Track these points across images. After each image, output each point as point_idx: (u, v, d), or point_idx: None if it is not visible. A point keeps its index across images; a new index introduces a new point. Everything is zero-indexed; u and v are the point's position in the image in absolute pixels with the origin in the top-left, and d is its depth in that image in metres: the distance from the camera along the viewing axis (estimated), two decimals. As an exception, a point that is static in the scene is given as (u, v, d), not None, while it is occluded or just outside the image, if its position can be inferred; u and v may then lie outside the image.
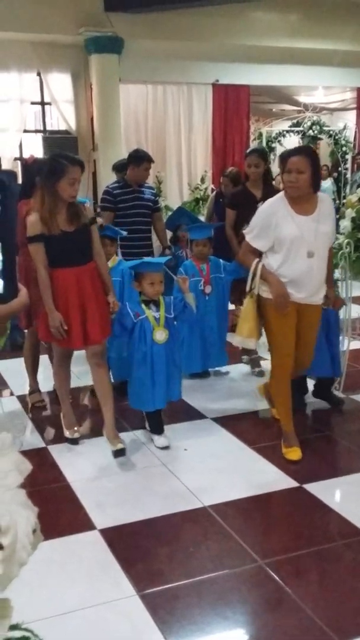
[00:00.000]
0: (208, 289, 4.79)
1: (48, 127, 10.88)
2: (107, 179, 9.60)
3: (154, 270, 3.74)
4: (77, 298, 3.58)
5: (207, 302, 4.78)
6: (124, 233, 4.69)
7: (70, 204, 3.54)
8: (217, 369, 5.10)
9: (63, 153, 3.57)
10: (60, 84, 10.30)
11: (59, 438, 4.03)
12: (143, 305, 3.77)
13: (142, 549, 2.86)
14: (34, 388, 4.63)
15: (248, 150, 5.26)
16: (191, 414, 4.37)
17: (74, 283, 3.58)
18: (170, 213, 7.10)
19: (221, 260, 4.88)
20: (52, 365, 4.30)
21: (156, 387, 3.78)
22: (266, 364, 4.68)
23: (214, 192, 6.97)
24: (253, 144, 12.33)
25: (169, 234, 6.13)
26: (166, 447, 3.83)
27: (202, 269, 4.80)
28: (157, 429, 3.93)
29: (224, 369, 5.12)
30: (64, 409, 4.00)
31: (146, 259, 4.08)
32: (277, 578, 2.62)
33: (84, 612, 2.46)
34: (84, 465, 3.70)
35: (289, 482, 3.40)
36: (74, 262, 3.59)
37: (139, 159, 5.24)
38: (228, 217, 5.15)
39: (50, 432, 4.18)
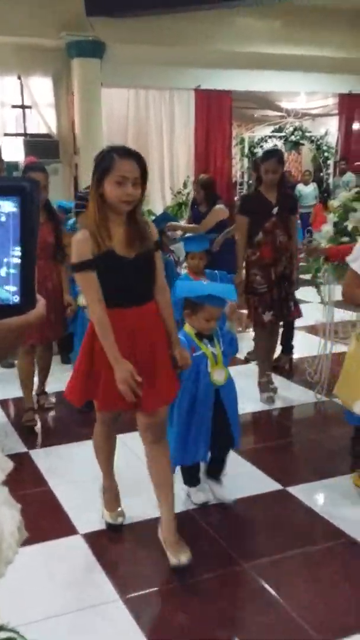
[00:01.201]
0: None
1: (29, 131, 10.85)
2: (89, 183, 9.61)
3: (217, 305, 3.01)
4: (134, 351, 2.60)
5: None
6: None
7: (131, 218, 2.58)
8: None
9: (118, 145, 2.66)
10: (41, 87, 10.29)
11: (40, 442, 4.00)
12: (196, 339, 3.06)
13: (126, 553, 2.85)
14: (29, 406, 4.35)
15: (264, 154, 4.88)
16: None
17: (130, 331, 2.59)
18: (152, 217, 7.11)
19: (217, 272, 4.49)
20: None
21: (202, 435, 3.11)
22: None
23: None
24: (235, 150, 12.40)
25: None
26: (206, 504, 3.22)
27: None
28: (194, 480, 3.28)
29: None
30: (106, 485, 3.12)
31: (212, 287, 3.17)
32: (261, 580, 2.62)
33: (67, 616, 2.44)
34: (65, 469, 3.67)
35: (273, 485, 3.40)
36: (131, 302, 2.60)
37: None
38: (239, 224, 4.65)
39: (31, 436, 4.14)
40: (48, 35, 9.50)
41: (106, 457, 3.07)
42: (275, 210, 4.47)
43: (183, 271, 5.08)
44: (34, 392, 4.46)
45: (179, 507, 3.17)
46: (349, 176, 11.21)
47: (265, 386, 4.61)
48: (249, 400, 4.44)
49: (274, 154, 4.66)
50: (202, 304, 2.97)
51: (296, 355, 5.31)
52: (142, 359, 2.60)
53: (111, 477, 3.13)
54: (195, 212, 6.19)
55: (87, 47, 9.81)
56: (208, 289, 3.01)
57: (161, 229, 6.15)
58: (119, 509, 3.10)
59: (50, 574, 2.71)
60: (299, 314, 4.78)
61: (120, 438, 3.13)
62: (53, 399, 4.61)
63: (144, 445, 2.80)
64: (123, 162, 2.49)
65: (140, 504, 3.23)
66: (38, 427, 4.24)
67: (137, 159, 2.52)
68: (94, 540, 2.94)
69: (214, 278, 4.48)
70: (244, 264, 4.57)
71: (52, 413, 4.51)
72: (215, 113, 11.63)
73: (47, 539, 2.94)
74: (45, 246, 4.17)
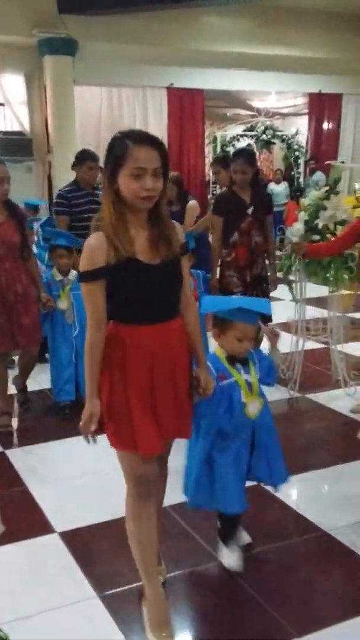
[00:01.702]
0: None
1: (2, 129, 10.76)
2: (63, 181, 9.54)
3: (250, 321, 2.53)
4: (152, 377, 2.18)
5: None
6: (81, 242, 4.47)
7: (154, 217, 2.16)
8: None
9: (131, 130, 2.25)
10: (13, 85, 10.21)
11: (16, 442, 3.99)
12: (227, 364, 2.58)
13: (103, 551, 2.86)
14: (4, 410, 4.24)
15: (233, 154, 4.89)
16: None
17: (149, 353, 2.15)
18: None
19: (200, 272, 4.48)
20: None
21: (240, 481, 2.68)
22: None
23: None
24: (208, 148, 12.45)
25: None
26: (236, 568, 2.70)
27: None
28: (230, 534, 2.76)
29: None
30: (150, 597, 2.37)
31: (243, 300, 2.73)
32: (237, 576, 2.66)
33: (45, 615, 2.45)
34: (42, 469, 3.67)
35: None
36: (154, 318, 2.16)
37: (80, 159, 5.16)
38: (214, 225, 4.61)
39: (7, 436, 4.12)
40: (20, 32, 9.43)
41: (146, 551, 2.34)
42: (250, 210, 4.47)
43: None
44: (15, 390, 4.48)
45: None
46: (319, 175, 11.32)
47: None
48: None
49: (241, 154, 4.58)
50: (232, 320, 2.50)
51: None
52: (161, 385, 2.19)
53: (154, 582, 2.37)
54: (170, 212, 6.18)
55: (59, 45, 9.76)
56: (238, 302, 2.56)
57: None
58: (165, 634, 2.28)
59: (27, 573, 2.72)
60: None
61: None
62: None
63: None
64: (139, 149, 2.07)
65: (117, 504, 3.25)
66: (15, 425, 4.23)
67: (156, 145, 2.12)
68: (71, 539, 2.95)
69: (198, 279, 4.44)
70: (219, 264, 4.58)
71: (29, 413, 4.49)
72: (188, 112, 11.67)
73: (23, 538, 2.94)
74: (11, 246, 3.93)
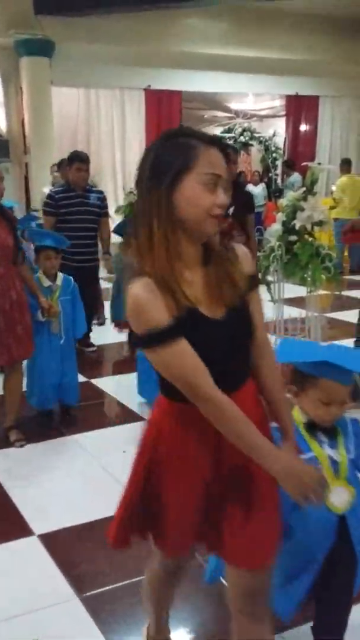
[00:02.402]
0: None
1: (-22, 130, 10.70)
2: (40, 182, 9.53)
3: (341, 381, 1.84)
4: (219, 464, 1.62)
5: None
6: (68, 242, 4.24)
7: (210, 248, 1.59)
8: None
9: (185, 127, 1.75)
10: (-11, 86, 10.14)
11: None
12: (305, 433, 1.91)
13: (82, 553, 2.85)
14: (13, 425, 3.99)
15: None
16: (129, 415, 4.38)
17: (214, 434, 1.56)
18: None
19: None
20: None
21: (302, 586, 1.96)
22: None
23: None
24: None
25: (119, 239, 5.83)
26: None
27: None
28: None
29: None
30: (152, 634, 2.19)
31: (333, 352, 1.92)
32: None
33: (25, 617, 2.44)
34: (21, 470, 3.64)
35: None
36: (227, 385, 1.54)
37: (70, 160, 5.15)
38: None
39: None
40: (-5, 33, 9.38)
41: (157, 600, 2.13)
42: (230, 210, 4.46)
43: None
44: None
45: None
46: (296, 177, 11.40)
47: None
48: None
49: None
50: (316, 376, 1.85)
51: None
52: (233, 474, 1.61)
53: (160, 624, 2.17)
54: None
55: (36, 46, 9.72)
56: (326, 354, 1.87)
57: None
58: None
59: (6, 576, 2.70)
60: None
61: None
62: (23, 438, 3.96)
63: (233, 613, 1.77)
64: (212, 152, 1.50)
65: (97, 505, 3.25)
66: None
67: (222, 150, 1.55)
68: (50, 541, 2.94)
69: None
70: None
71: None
72: (166, 113, 11.68)
73: (3, 541, 2.92)
74: (5, 250, 3.63)
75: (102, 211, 5.29)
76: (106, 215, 5.40)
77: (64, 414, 4.30)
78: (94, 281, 5.62)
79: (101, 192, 5.50)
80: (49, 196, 5.18)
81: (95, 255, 5.29)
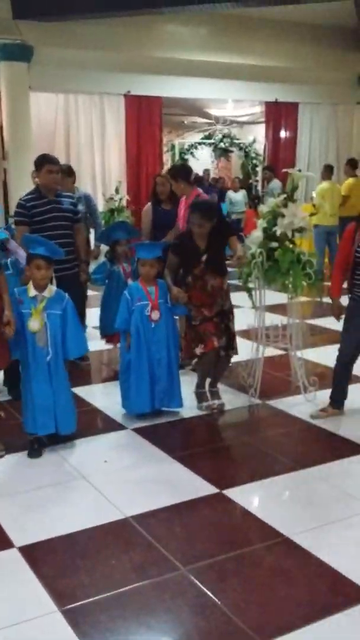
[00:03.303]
0: (155, 315, 4.23)
1: None
2: (19, 188, 9.45)
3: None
4: None
5: (154, 331, 4.25)
6: (62, 252, 4.07)
7: None
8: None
9: None
10: (-33, 91, 10.05)
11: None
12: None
13: (63, 564, 2.82)
14: None
15: (190, 206, 4.61)
16: (111, 425, 4.35)
17: None
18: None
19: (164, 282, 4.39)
20: None
21: None
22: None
23: (149, 203, 5.90)
24: (166, 156, 12.48)
25: (105, 248, 5.69)
26: None
27: (150, 292, 4.27)
28: None
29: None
30: None
31: None
32: (199, 584, 2.65)
33: (5, 631, 2.40)
34: (0, 481, 3.59)
35: (209, 489, 3.44)
36: None
37: (39, 163, 4.94)
38: (168, 262, 4.46)
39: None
40: (-26, 37, 9.31)
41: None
42: (204, 257, 4.41)
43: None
44: None
45: (117, 517, 3.17)
46: (275, 183, 11.45)
47: (203, 396, 4.61)
48: (185, 406, 4.48)
49: (199, 207, 4.47)
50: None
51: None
52: None
53: None
54: (160, 212, 5.62)
55: (14, 51, 9.67)
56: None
57: (116, 239, 5.49)
58: None
59: (-14, 589, 2.65)
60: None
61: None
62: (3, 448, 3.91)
63: None
64: None
65: (78, 515, 3.21)
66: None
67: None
68: (30, 553, 2.89)
69: (163, 288, 4.36)
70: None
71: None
72: (146, 119, 11.68)
73: (-19, 554, 2.88)
74: None
75: (75, 217, 5.11)
76: (79, 221, 5.22)
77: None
78: (77, 289, 5.34)
79: (72, 197, 5.28)
80: (19, 205, 4.95)
81: (75, 262, 5.10)
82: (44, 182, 4.96)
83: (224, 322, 4.51)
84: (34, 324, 3.77)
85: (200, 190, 5.39)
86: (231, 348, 4.56)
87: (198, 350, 4.42)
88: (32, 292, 3.81)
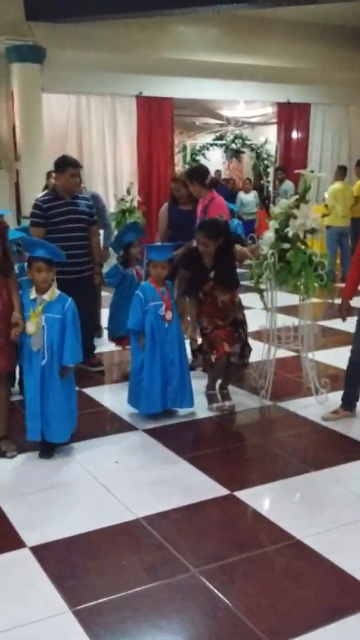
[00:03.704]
0: (169, 315, 4.27)
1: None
2: (31, 189, 9.50)
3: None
4: None
5: (167, 331, 4.28)
6: (63, 255, 3.96)
7: None
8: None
9: None
10: (-20, 92, 10.10)
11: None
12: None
13: (74, 565, 2.82)
14: (4, 434, 3.95)
15: (198, 226, 4.60)
16: (123, 426, 4.35)
17: None
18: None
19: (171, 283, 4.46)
20: None
21: None
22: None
23: (166, 203, 5.79)
24: (178, 157, 12.49)
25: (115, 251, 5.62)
26: None
27: (163, 292, 4.31)
28: None
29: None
30: None
31: None
32: (210, 586, 2.64)
33: (16, 631, 2.40)
34: (11, 482, 3.61)
35: (220, 491, 3.44)
36: None
37: (62, 165, 4.92)
38: (180, 275, 4.56)
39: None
40: (-14, 39, 9.35)
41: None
42: (212, 274, 4.45)
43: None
44: None
45: (128, 517, 3.17)
46: (287, 184, 11.43)
47: (214, 397, 4.61)
48: (197, 408, 4.48)
49: (203, 226, 4.48)
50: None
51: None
52: None
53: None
54: (178, 212, 5.50)
55: (27, 52, 9.71)
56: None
57: (129, 241, 5.37)
58: None
59: (-2, 589, 2.66)
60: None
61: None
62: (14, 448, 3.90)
63: None
64: None
65: (89, 516, 3.22)
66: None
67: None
68: (42, 553, 2.90)
69: (172, 289, 4.39)
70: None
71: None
72: (157, 120, 11.68)
73: (-7, 553, 2.89)
74: None
75: (91, 219, 5.11)
76: (95, 223, 5.21)
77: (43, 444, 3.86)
78: (92, 292, 5.39)
79: (88, 199, 5.28)
80: (36, 206, 4.92)
81: (90, 264, 5.09)
82: (65, 184, 4.94)
83: (237, 331, 4.53)
84: (30, 326, 3.71)
85: (215, 193, 5.34)
86: (245, 357, 4.56)
87: (213, 357, 4.44)
88: (33, 294, 3.77)
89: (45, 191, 5.10)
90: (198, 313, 4.63)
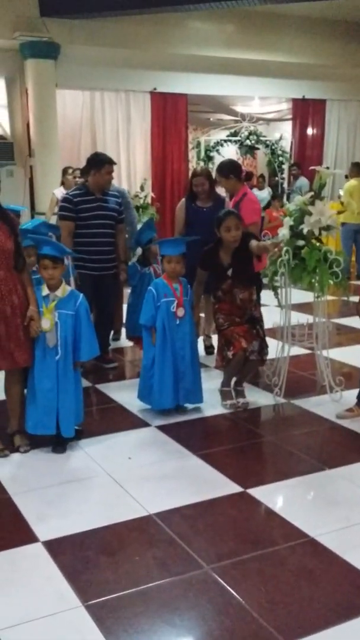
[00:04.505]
0: (181, 312, 4.26)
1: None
2: (45, 185, 9.52)
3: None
4: None
5: (178, 327, 4.28)
6: (69, 252, 3.96)
7: None
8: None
9: None
10: (-6, 88, 10.12)
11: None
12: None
13: (87, 560, 2.83)
14: (17, 429, 3.97)
15: (222, 213, 4.48)
16: (135, 422, 4.35)
17: None
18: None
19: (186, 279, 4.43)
20: None
21: None
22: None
23: (184, 198, 5.68)
24: (192, 153, 12.45)
25: (139, 250, 5.56)
26: None
27: (175, 288, 4.29)
28: None
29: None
30: None
31: None
32: (223, 583, 2.64)
33: (29, 625, 2.41)
34: (25, 476, 3.62)
35: (233, 487, 3.43)
36: None
37: (99, 162, 4.91)
38: (198, 276, 4.57)
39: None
40: (1, 35, 9.34)
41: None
42: (229, 271, 4.44)
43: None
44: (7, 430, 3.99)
45: (140, 513, 3.17)
46: (302, 181, 11.35)
47: (228, 394, 4.59)
48: (210, 404, 4.47)
49: (232, 213, 4.46)
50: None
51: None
52: None
53: None
54: (195, 211, 5.39)
55: (41, 48, 9.71)
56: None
57: (149, 239, 5.29)
58: None
59: (11, 583, 2.67)
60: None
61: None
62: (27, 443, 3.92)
63: None
64: None
65: (102, 511, 3.22)
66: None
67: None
68: (55, 547, 2.91)
69: (186, 285, 4.36)
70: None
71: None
72: (171, 116, 11.65)
73: (6, 548, 2.90)
74: (5, 254, 3.63)
75: (119, 216, 5.09)
76: (122, 221, 5.18)
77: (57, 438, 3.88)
78: (113, 290, 5.38)
79: (118, 196, 5.22)
80: (66, 199, 4.91)
81: (115, 262, 5.06)
82: (100, 181, 4.94)
83: (255, 327, 4.51)
84: (44, 323, 3.74)
85: (247, 188, 5.30)
86: (263, 353, 4.54)
87: (229, 354, 4.42)
88: (45, 291, 3.81)
89: (76, 186, 5.03)
90: (214, 310, 4.62)
